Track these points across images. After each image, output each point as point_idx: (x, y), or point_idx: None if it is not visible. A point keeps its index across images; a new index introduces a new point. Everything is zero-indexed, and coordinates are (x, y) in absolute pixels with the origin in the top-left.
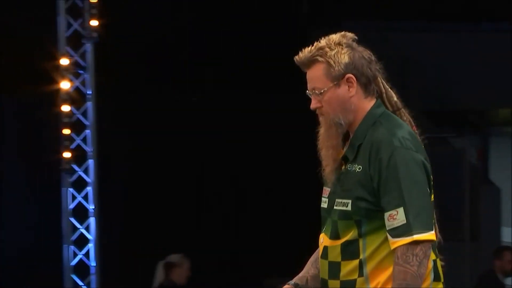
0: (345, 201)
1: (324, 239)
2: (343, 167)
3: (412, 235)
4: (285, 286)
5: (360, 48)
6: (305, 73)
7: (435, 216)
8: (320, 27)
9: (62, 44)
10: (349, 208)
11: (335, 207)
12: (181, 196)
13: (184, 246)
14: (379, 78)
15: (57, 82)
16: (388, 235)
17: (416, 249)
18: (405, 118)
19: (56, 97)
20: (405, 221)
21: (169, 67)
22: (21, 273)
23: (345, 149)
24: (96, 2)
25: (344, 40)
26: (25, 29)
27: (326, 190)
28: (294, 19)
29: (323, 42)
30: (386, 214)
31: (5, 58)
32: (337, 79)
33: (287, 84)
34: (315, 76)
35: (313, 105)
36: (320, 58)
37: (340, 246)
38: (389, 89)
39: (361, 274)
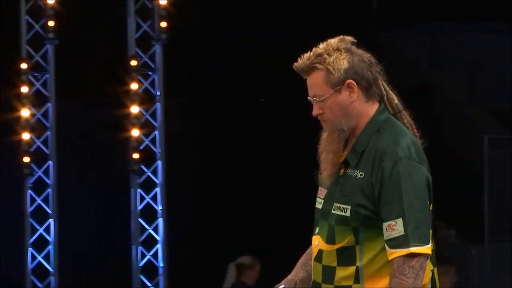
0: (344, 206)
1: (319, 242)
2: (342, 171)
3: (409, 247)
4: None
5: (360, 51)
6: (305, 80)
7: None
8: (389, 30)
9: (131, 45)
10: (347, 214)
11: (333, 211)
12: (249, 196)
13: (252, 246)
14: (379, 81)
15: (126, 84)
16: (385, 245)
17: (413, 262)
18: (405, 121)
19: (125, 98)
20: (403, 233)
21: (236, 68)
22: (90, 274)
23: (346, 154)
24: (166, 4)
25: (343, 45)
26: (95, 31)
27: (322, 191)
28: (363, 22)
29: (321, 48)
30: (385, 224)
31: (76, 60)
32: (338, 85)
33: None
34: (315, 84)
35: (315, 111)
36: (319, 65)
37: (336, 251)
38: (390, 91)
39: (357, 281)
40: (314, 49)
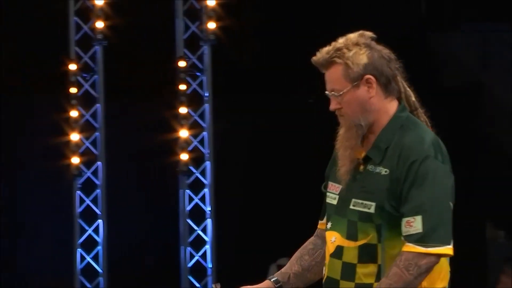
0: (367, 203)
1: (336, 238)
2: (361, 167)
3: (427, 247)
4: (265, 281)
5: (379, 47)
6: (323, 74)
7: None
8: (438, 29)
9: (179, 46)
10: (372, 210)
11: (352, 207)
12: (297, 196)
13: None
14: (398, 77)
15: (174, 84)
16: (402, 238)
17: (422, 261)
18: (422, 119)
19: (173, 99)
20: (420, 230)
21: (284, 68)
22: (138, 274)
23: (367, 150)
24: (214, 5)
25: (363, 40)
26: (144, 32)
27: (335, 186)
28: (411, 21)
29: (341, 42)
30: (404, 220)
31: (124, 61)
32: (356, 80)
33: (415, 84)
34: (333, 78)
35: (333, 106)
36: (338, 60)
37: (358, 248)
38: (408, 89)
39: (378, 279)
40: (333, 43)
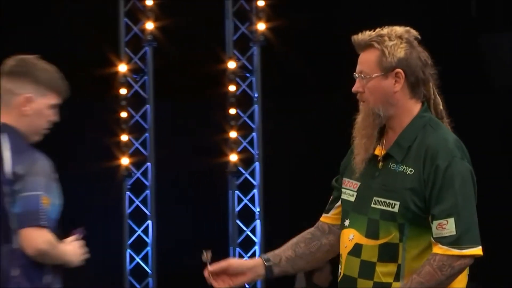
0: (390, 201)
1: (355, 236)
2: (380, 164)
3: (461, 249)
4: (257, 259)
5: (420, 49)
6: (358, 55)
7: None
8: (489, 31)
9: (229, 47)
10: (395, 209)
11: (373, 205)
12: None
13: None
14: (431, 84)
15: (224, 85)
16: (433, 240)
17: (456, 263)
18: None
19: (223, 100)
20: (454, 233)
21: (334, 70)
22: (187, 275)
23: (388, 148)
24: (264, 6)
25: (406, 36)
26: (193, 32)
27: (352, 183)
28: (462, 23)
29: (385, 30)
30: (436, 223)
31: (174, 62)
32: (386, 70)
33: (466, 85)
34: (366, 60)
35: (355, 87)
36: (376, 45)
37: (379, 247)
38: (438, 96)
39: (397, 279)
40: (378, 29)
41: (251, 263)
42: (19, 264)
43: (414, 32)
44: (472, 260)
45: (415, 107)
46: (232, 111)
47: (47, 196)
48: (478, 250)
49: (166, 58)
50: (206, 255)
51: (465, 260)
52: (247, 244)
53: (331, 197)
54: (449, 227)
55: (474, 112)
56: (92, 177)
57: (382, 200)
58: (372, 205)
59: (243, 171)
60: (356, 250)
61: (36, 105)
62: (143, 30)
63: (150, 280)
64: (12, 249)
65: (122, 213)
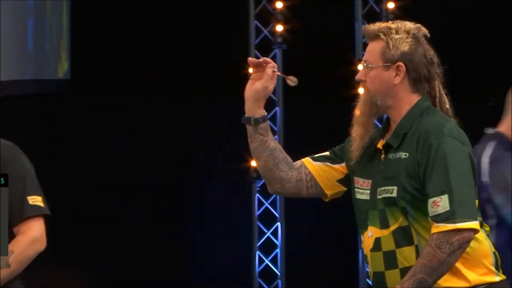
0: (389, 188)
1: (373, 232)
2: (382, 157)
3: (455, 223)
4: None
5: (427, 46)
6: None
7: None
8: None
9: (358, 49)
10: (394, 194)
11: (378, 197)
12: None
13: None
14: (436, 82)
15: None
16: (430, 220)
17: (453, 238)
18: None
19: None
20: (448, 208)
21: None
22: (315, 279)
23: (387, 138)
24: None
25: (415, 31)
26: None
27: (365, 182)
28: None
29: (395, 24)
30: (430, 201)
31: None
32: (389, 62)
33: None
34: (372, 50)
35: (359, 76)
36: (382, 36)
37: (392, 233)
38: (444, 95)
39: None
40: (390, 22)
41: (260, 102)
42: None
43: (424, 30)
44: (471, 234)
45: (415, 100)
46: None
47: None
48: (474, 224)
49: (295, 59)
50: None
51: (463, 234)
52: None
53: (327, 153)
54: (443, 203)
55: None
56: (222, 179)
57: (383, 188)
58: (378, 197)
59: None
60: (377, 244)
61: None
62: (273, 33)
63: (279, 282)
64: None
65: (252, 215)
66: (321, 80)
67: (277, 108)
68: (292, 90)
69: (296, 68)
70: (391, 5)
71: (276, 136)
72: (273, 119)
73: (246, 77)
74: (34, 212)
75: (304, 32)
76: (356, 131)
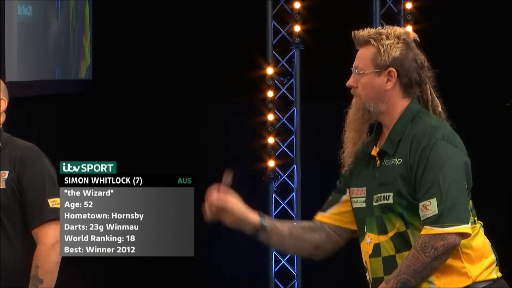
0: (385, 194)
1: (372, 238)
2: (378, 163)
3: (443, 227)
4: (255, 215)
5: (417, 51)
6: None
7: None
8: None
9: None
10: (390, 201)
11: (374, 203)
12: None
13: None
14: (428, 85)
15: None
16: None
17: (438, 243)
18: None
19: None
20: (436, 212)
21: None
22: (331, 280)
23: (381, 145)
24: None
25: (404, 36)
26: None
27: (359, 190)
28: None
29: (385, 29)
30: (420, 205)
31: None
32: (380, 68)
33: None
34: (362, 56)
35: (349, 82)
36: (373, 42)
37: (391, 239)
38: (436, 99)
39: None
40: (379, 27)
41: (247, 216)
42: None
43: (414, 34)
44: (458, 239)
45: (407, 103)
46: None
47: None
48: (463, 228)
49: (312, 60)
50: (227, 177)
51: (448, 239)
52: None
53: (330, 197)
54: (431, 207)
55: None
56: (239, 179)
57: (379, 195)
58: (374, 204)
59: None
60: (376, 250)
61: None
62: (290, 33)
63: (295, 282)
64: None
65: (268, 216)
66: (339, 81)
67: (294, 108)
68: (310, 91)
69: (314, 68)
70: (409, 5)
71: (293, 136)
72: (290, 119)
73: (264, 77)
74: (55, 215)
75: (322, 33)
76: (349, 138)
